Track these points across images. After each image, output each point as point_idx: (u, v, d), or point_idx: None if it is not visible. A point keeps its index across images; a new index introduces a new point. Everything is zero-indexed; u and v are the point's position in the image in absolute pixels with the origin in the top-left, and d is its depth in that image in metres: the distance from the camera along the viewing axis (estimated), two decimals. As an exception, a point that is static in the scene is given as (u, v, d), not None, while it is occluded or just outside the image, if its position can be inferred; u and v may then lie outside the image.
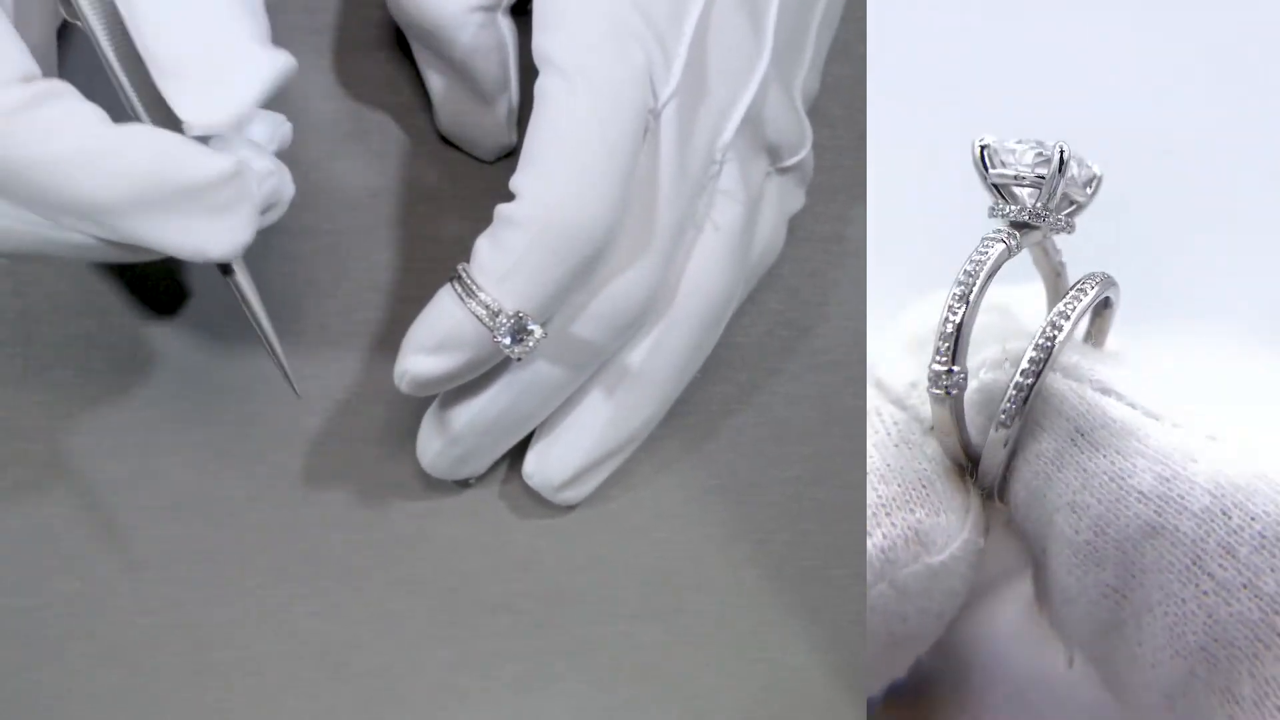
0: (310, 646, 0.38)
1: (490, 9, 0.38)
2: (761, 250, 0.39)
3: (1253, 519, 0.28)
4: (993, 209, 0.32)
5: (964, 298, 0.30)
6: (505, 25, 0.38)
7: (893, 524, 0.31)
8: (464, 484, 0.39)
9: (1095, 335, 0.34)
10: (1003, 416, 0.31)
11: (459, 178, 0.41)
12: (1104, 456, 0.30)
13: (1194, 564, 0.29)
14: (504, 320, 0.33)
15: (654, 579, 0.40)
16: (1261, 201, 0.44)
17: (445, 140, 0.41)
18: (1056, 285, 0.34)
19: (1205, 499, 0.29)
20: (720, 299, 0.37)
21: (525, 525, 0.39)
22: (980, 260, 0.31)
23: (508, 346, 0.33)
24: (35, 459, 0.38)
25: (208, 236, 0.30)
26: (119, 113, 0.31)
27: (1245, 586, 0.28)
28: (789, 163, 0.39)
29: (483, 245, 0.34)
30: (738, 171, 0.37)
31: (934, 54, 0.45)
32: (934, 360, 0.31)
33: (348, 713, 0.38)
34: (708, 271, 0.37)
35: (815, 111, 0.42)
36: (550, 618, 0.39)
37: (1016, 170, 0.32)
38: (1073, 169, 0.31)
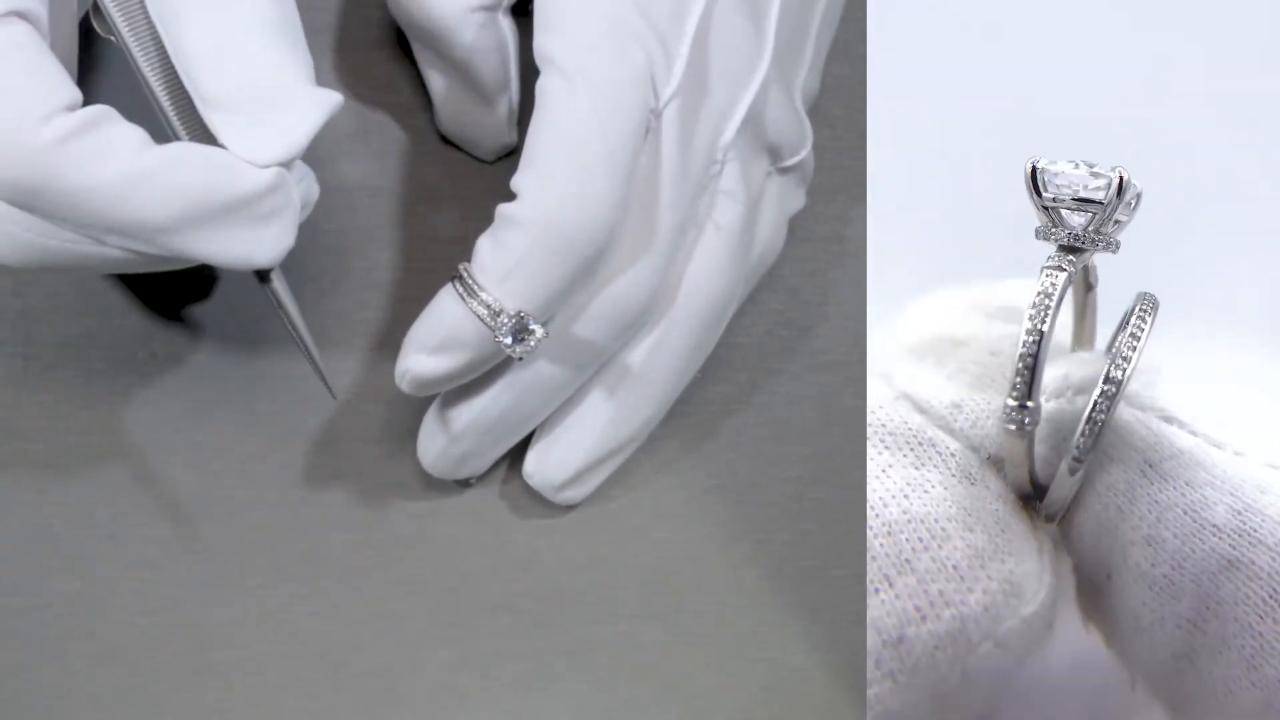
0: (310, 646, 0.38)
1: (491, 9, 0.38)
2: (762, 250, 0.39)
3: None
4: (1040, 230, 0.32)
5: (1036, 330, 0.30)
6: (506, 25, 0.38)
7: (989, 578, 0.30)
8: (464, 484, 0.39)
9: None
10: (1076, 452, 0.31)
11: (459, 178, 0.41)
12: (1175, 489, 0.30)
13: (1271, 597, 0.29)
14: (505, 320, 0.33)
15: (654, 579, 0.40)
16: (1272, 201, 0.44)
17: (445, 140, 0.41)
18: (1086, 300, 0.34)
19: None
20: (721, 299, 0.37)
21: (525, 525, 0.39)
22: (1049, 292, 0.30)
23: (509, 346, 0.33)
24: (35, 459, 0.38)
25: (254, 246, 0.31)
26: (147, 112, 0.32)
27: None
28: (789, 163, 0.39)
29: (484, 245, 0.34)
30: (739, 172, 0.37)
31: (934, 54, 0.45)
32: (1010, 395, 0.30)
33: (348, 713, 0.38)
34: (708, 272, 0.37)
35: (815, 111, 0.42)
36: (550, 618, 0.39)
37: (1067, 192, 0.31)
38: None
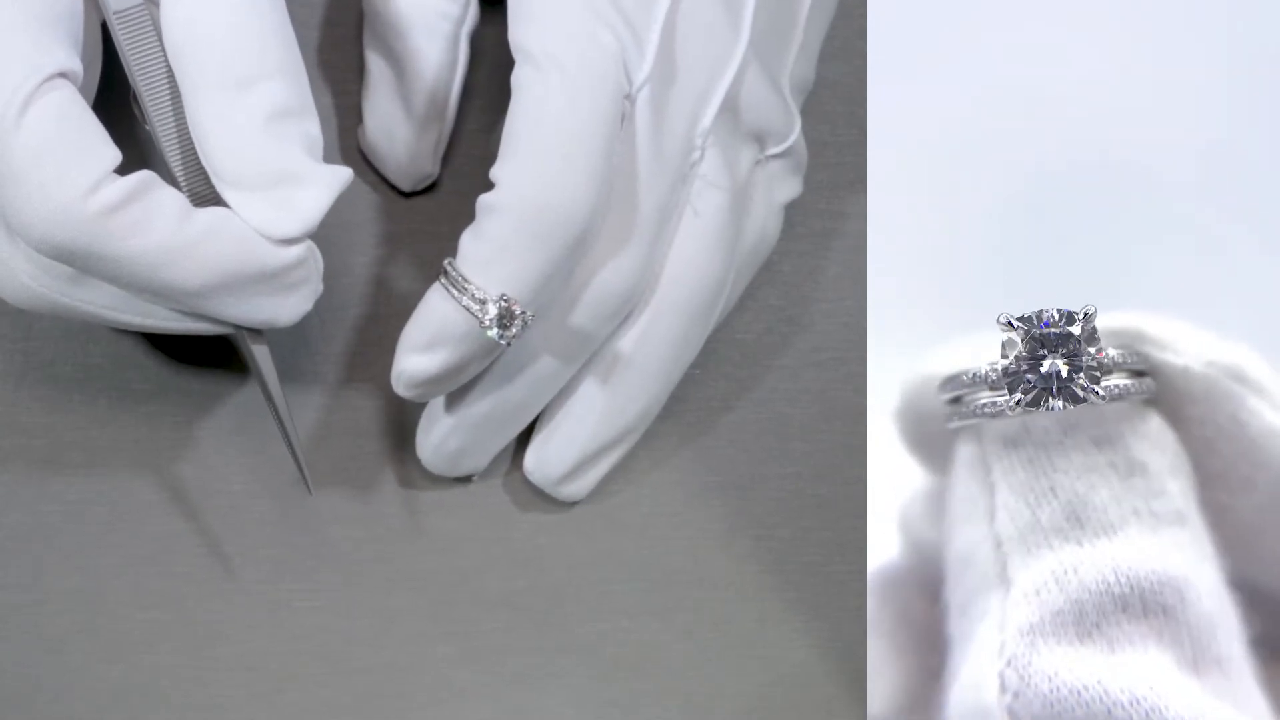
0: (310, 642, 0.38)
1: (457, 22, 0.39)
2: (755, 239, 0.39)
3: None
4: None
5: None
6: (463, 50, 0.39)
7: None
8: (465, 480, 0.39)
9: None
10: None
11: (458, 175, 0.41)
12: None
13: None
14: (490, 306, 0.33)
15: (654, 575, 0.40)
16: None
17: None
18: None
19: None
20: (706, 285, 0.37)
21: (526, 521, 0.39)
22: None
23: (495, 332, 0.33)
24: (35, 454, 0.38)
25: (277, 311, 0.34)
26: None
27: None
28: (775, 150, 0.39)
29: (465, 238, 0.35)
30: (720, 159, 0.37)
31: (934, 52, 0.45)
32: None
33: (347, 708, 0.38)
34: (691, 259, 0.37)
35: (815, 108, 0.42)
36: (550, 613, 0.39)
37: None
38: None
